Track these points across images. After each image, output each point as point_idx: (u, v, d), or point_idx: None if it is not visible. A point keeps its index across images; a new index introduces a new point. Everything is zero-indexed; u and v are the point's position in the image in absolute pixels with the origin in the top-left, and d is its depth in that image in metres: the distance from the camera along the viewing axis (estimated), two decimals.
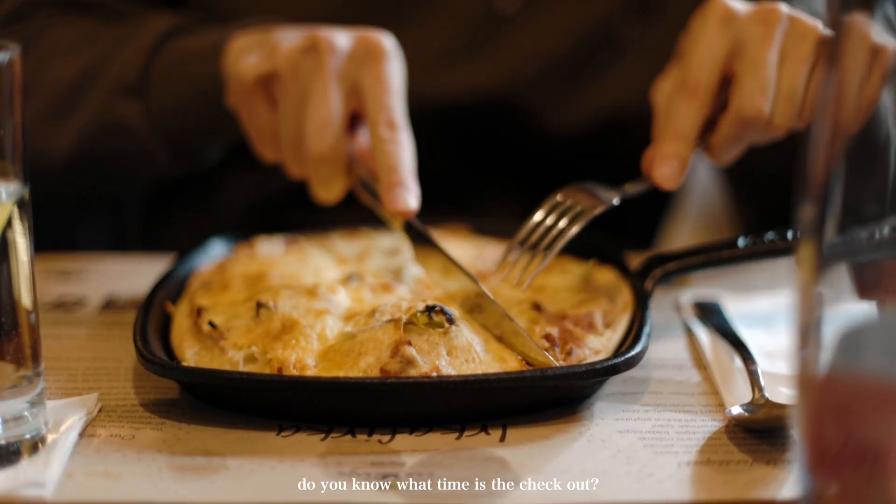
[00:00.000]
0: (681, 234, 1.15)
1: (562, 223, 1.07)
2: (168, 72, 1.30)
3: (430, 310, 0.96)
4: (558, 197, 1.10)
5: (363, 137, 1.19)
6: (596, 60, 1.46)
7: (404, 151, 1.12)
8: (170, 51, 1.31)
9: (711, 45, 1.09)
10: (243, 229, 1.29)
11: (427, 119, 1.35)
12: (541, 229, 1.08)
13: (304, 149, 1.14)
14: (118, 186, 1.49)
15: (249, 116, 1.20)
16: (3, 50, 0.83)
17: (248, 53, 1.19)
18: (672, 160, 1.09)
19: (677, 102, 1.09)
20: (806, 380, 0.72)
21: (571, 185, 1.12)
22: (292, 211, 1.43)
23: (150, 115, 1.30)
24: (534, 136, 1.47)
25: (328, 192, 1.17)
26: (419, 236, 1.11)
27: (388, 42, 1.15)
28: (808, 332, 0.71)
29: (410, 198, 1.11)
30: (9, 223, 0.85)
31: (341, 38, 1.15)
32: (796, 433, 0.73)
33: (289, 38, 1.17)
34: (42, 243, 0.89)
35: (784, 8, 1.09)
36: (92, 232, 1.72)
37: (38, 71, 1.35)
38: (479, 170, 1.51)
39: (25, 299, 0.87)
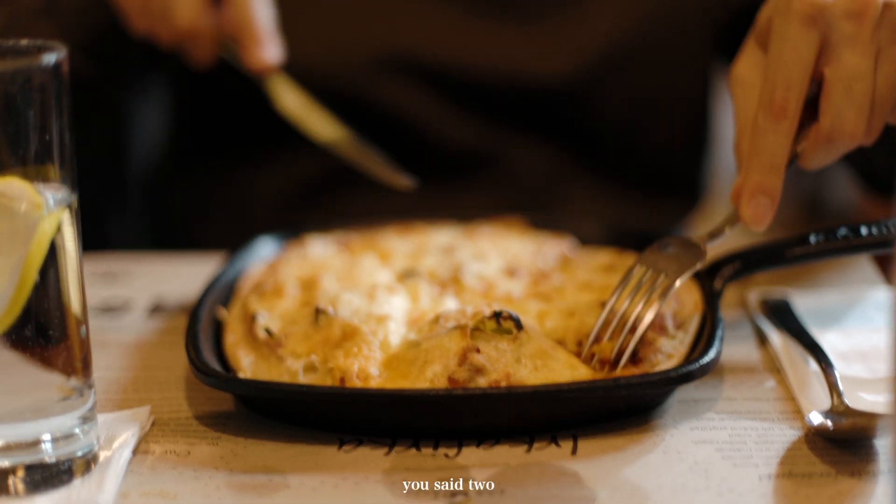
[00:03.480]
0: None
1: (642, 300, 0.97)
2: None
3: (497, 315, 0.92)
4: (636, 269, 0.99)
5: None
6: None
7: (259, 13, 1.25)
8: None
9: (798, 51, 0.96)
10: (285, 222, 1.28)
11: (441, 90, 1.44)
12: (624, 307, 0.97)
13: (173, 22, 1.25)
14: None
15: None
16: (50, 51, 0.80)
17: None
18: (761, 198, 0.97)
19: (764, 125, 0.97)
20: None
21: (651, 247, 1.01)
22: (329, 198, 1.45)
23: (61, 32, 1.34)
24: (539, 88, 1.45)
25: (200, 58, 1.30)
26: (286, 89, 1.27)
27: None
28: None
29: (269, 53, 1.25)
30: (57, 229, 0.82)
31: None
32: (889, 443, 0.70)
33: None
34: None
35: None
36: (126, 229, 1.69)
37: None
38: (501, 136, 1.49)
39: (76, 307, 0.84)
